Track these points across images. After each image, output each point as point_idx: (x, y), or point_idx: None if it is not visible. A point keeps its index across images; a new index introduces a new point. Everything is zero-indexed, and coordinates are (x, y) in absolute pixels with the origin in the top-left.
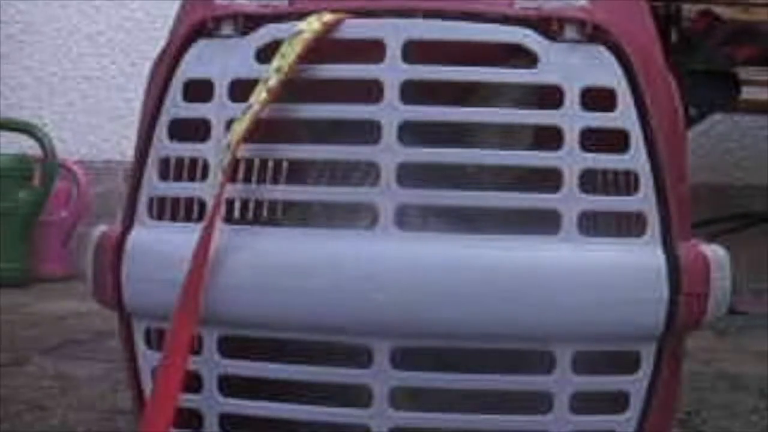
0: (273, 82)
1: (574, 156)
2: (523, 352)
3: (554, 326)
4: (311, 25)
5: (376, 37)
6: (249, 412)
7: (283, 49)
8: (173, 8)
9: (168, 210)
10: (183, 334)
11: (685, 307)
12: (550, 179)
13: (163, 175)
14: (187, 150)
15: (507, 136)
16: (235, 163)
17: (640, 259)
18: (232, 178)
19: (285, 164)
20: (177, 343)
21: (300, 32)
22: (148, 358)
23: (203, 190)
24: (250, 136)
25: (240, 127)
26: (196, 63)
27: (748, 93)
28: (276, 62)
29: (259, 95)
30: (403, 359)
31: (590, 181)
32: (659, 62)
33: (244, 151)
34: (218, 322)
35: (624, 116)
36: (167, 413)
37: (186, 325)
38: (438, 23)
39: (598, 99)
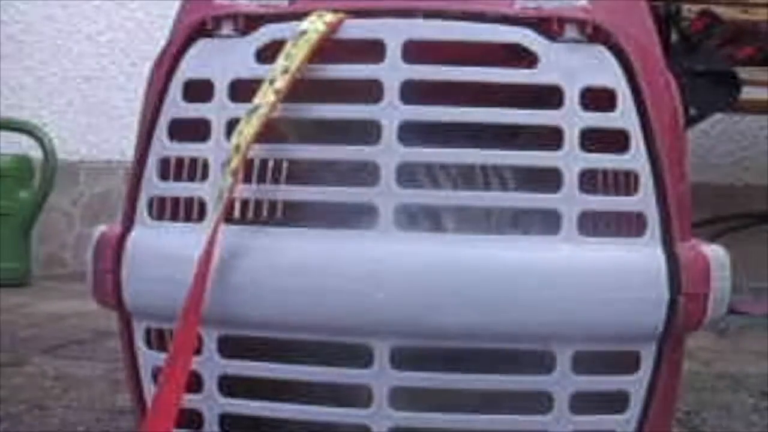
0: (280, 83)
1: (574, 156)
2: (523, 352)
3: (554, 326)
4: (314, 26)
5: (376, 37)
6: (249, 412)
7: (288, 49)
8: (173, 8)
9: (168, 210)
10: (189, 336)
11: (685, 307)
12: (550, 179)
13: (163, 175)
14: (187, 150)
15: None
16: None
17: (640, 259)
18: (235, 178)
19: (285, 164)
20: (183, 345)
21: (304, 33)
22: (148, 358)
23: (203, 190)
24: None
25: (250, 129)
26: (196, 63)
27: (748, 93)
28: (281, 63)
29: (266, 96)
30: (403, 359)
31: (590, 181)
32: (659, 62)
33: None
34: (218, 322)
35: (624, 116)
36: (170, 414)
37: (193, 327)
38: (438, 23)
39: (598, 99)
